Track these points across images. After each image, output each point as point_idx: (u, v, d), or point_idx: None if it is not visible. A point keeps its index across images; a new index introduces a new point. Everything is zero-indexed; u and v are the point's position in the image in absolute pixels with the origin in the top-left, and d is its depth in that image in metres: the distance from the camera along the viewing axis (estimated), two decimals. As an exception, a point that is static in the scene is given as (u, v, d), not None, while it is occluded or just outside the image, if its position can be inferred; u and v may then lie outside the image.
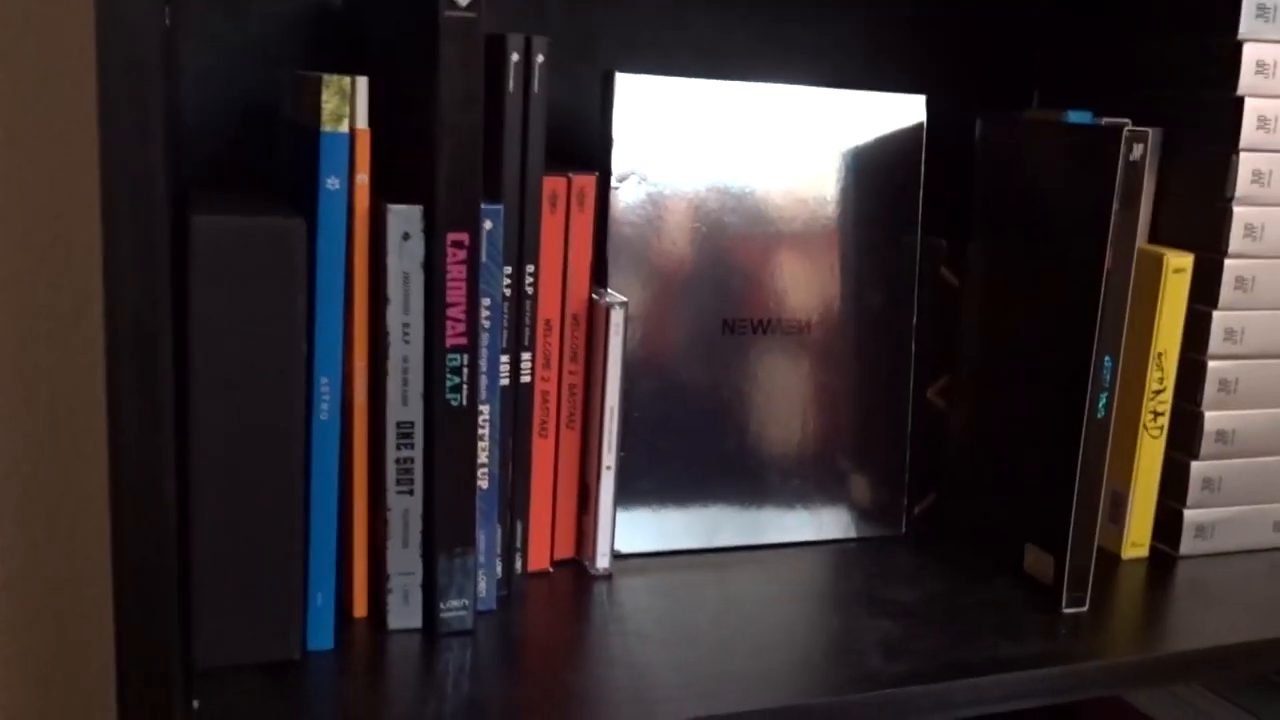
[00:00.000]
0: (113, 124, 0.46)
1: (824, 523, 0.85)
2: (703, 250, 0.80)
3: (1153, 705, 0.96)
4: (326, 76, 0.61)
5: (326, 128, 0.61)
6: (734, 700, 0.63)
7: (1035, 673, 0.68)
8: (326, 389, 0.63)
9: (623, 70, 0.89)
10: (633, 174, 0.78)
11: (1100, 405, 0.74)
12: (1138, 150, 0.71)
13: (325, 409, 0.64)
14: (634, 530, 0.80)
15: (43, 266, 0.82)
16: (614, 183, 0.78)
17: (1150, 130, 0.73)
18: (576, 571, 0.78)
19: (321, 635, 0.65)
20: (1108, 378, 0.74)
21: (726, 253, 0.81)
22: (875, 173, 0.84)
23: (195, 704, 0.59)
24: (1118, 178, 0.71)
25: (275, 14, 0.81)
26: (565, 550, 0.78)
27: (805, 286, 0.83)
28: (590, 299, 0.76)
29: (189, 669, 0.61)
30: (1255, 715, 0.91)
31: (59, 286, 0.83)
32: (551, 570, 0.77)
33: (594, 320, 0.75)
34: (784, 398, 0.83)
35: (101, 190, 0.45)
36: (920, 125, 0.84)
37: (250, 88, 0.81)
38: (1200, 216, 0.83)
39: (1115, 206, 0.72)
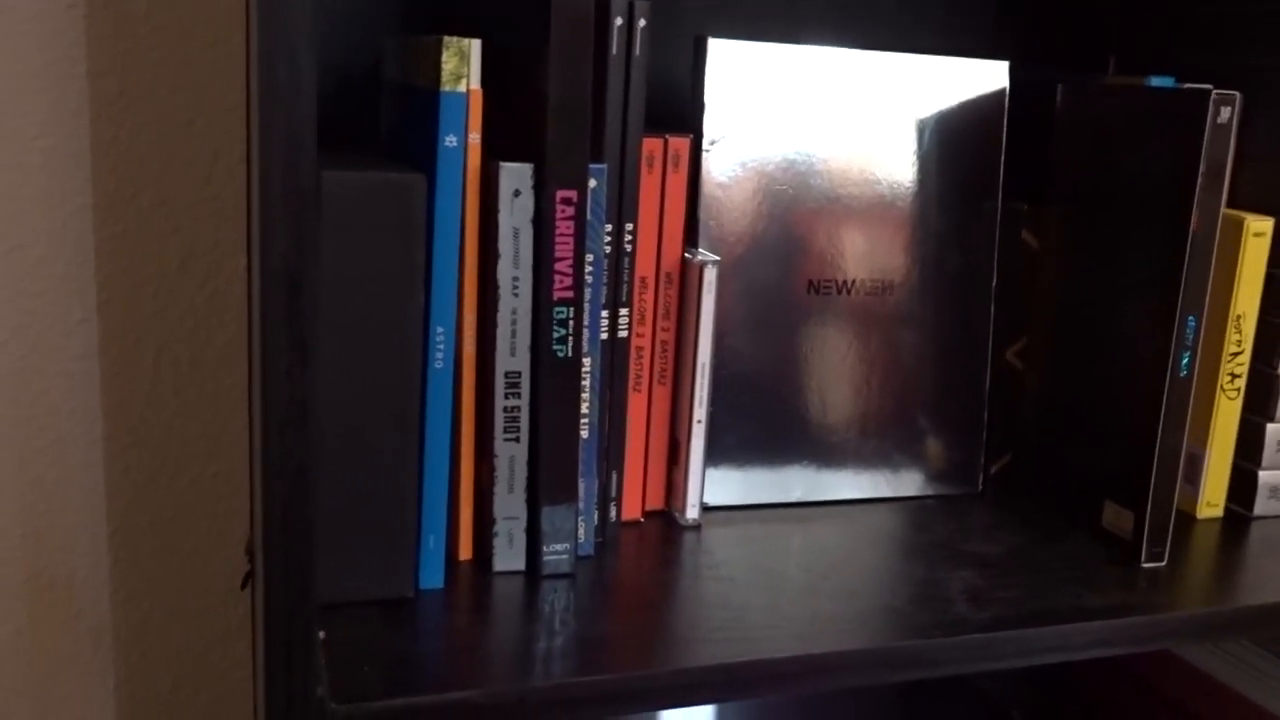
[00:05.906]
0: (270, 79, 0.48)
1: (902, 480, 0.88)
2: (788, 212, 0.82)
3: (1202, 658, 0.98)
4: (446, 39, 0.63)
5: (446, 87, 0.64)
6: (828, 641, 0.66)
7: (1118, 622, 0.70)
8: (441, 338, 0.66)
9: (706, 34, 0.91)
10: (724, 137, 0.80)
11: (1183, 364, 0.75)
12: (1225, 113, 0.73)
13: (440, 357, 0.66)
14: (719, 483, 0.83)
15: (149, 225, 0.86)
16: (706, 145, 0.80)
17: (1235, 94, 0.74)
18: (666, 522, 0.80)
19: (432, 575, 0.68)
20: (1190, 337, 0.75)
21: (811, 215, 0.83)
22: (958, 138, 0.85)
23: (321, 634, 0.62)
24: (1205, 141, 0.73)
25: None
26: (655, 501, 0.81)
27: (888, 249, 0.85)
28: (683, 258, 0.78)
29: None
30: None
31: (165, 241, 0.86)
32: (643, 520, 0.80)
33: (686, 278, 0.78)
34: (865, 357, 0.85)
35: (259, 144, 0.48)
36: (1003, 91, 0.86)
37: (342, 50, 0.84)
38: (1280, 181, 0.84)
39: (1202, 169, 0.73)
